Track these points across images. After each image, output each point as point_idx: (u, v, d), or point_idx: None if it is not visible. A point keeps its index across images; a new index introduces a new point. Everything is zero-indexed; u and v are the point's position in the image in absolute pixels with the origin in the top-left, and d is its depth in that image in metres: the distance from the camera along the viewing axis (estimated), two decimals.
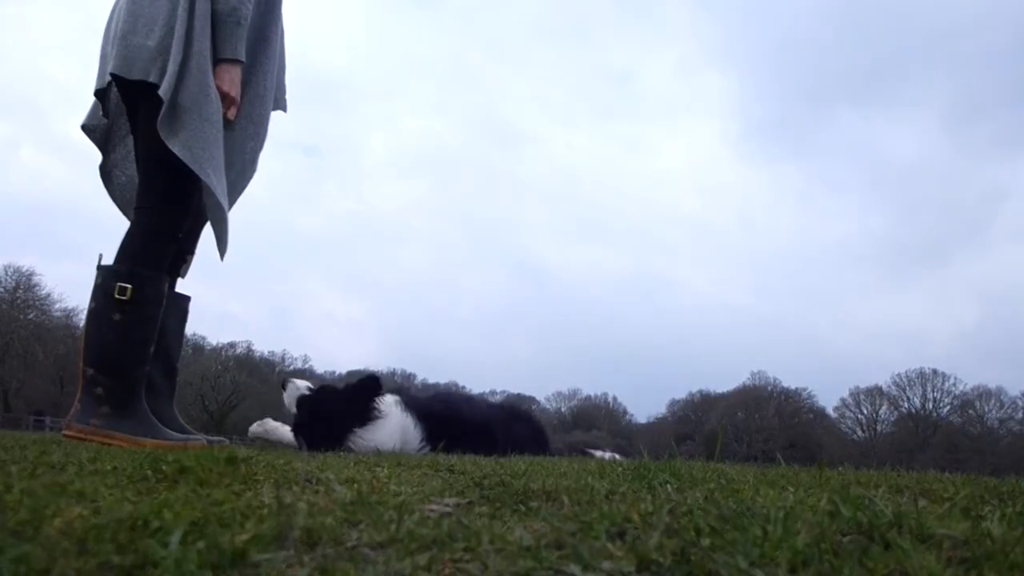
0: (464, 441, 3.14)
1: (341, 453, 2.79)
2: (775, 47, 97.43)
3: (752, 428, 52.58)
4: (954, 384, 52.49)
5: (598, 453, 3.62)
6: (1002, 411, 51.13)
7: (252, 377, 50.04)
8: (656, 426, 58.14)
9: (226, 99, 2.79)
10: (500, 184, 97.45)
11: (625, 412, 64.05)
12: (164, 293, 2.82)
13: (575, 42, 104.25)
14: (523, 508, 1.15)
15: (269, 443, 3.30)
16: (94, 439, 2.59)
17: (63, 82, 76.48)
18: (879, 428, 54.46)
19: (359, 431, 3.07)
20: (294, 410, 3.27)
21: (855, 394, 55.04)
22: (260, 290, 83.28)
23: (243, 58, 2.82)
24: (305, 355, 59.43)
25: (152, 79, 2.70)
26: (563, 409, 65.06)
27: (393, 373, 54.84)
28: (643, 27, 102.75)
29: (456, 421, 3.33)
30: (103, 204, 3.20)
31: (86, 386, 2.69)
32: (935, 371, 52.95)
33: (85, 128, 3.10)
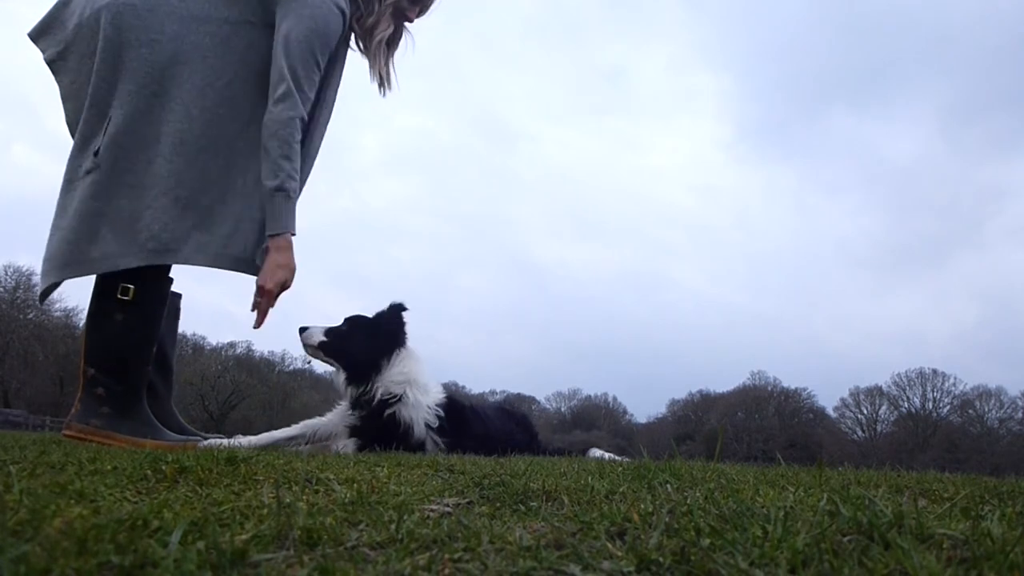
0: (465, 426, 3.28)
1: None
2: (768, 47, 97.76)
3: (752, 428, 52.57)
4: (954, 384, 52.48)
5: (597, 453, 3.64)
6: (1002, 411, 51.09)
7: (252, 377, 50.01)
8: (656, 426, 58.13)
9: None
10: (495, 182, 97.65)
11: (625, 412, 64.09)
12: (167, 293, 2.82)
13: (567, 40, 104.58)
14: (523, 508, 1.15)
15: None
16: (94, 439, 2.59)
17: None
18: (879, 428, 54.42)
19: (393, 357, 3.21)
20: (319, 355, 3.39)
21: (855, 394, 55.04)
22: None
23: (295, 231, 2.71)
24: (305, 355, 59.42)
25: None
26: (563, 409, 65.10)
27: None
28: (635, 25, 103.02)
29: (458, 405, 3.41)
30: None
31: (87, 386, 2.69)
32: (935, 371, 52.94)
33: None
